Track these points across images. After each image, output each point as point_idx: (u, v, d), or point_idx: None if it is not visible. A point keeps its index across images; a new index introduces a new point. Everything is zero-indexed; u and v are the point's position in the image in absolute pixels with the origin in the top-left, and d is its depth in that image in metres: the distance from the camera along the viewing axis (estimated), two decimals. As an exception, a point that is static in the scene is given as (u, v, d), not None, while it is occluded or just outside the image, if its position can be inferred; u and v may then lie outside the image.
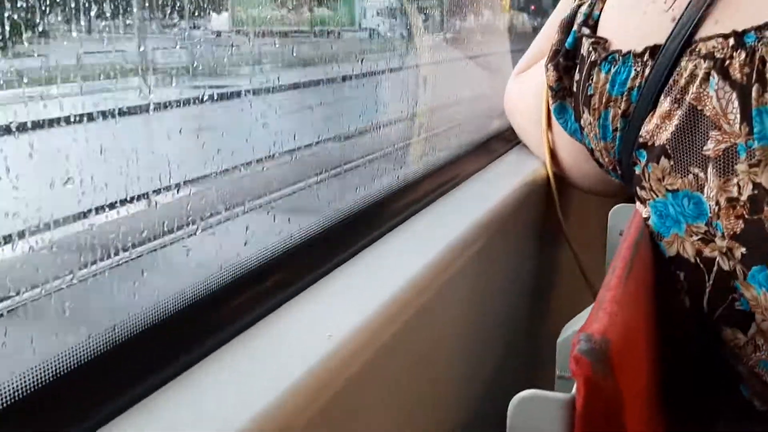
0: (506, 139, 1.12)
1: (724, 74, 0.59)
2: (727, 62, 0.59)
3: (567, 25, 0.78)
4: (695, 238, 0.64)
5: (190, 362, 0.45)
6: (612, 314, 0.46)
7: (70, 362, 0.39)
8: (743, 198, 0.59)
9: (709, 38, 0.61)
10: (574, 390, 0.44)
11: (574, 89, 0.76)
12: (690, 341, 0.69)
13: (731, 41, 0.59)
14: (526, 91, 0.98)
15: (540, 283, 1.04)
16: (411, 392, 0.57)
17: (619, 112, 0.68)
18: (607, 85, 0.69)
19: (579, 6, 0.78)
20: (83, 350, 0.40)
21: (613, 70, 0.69)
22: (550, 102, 0.81)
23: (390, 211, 0.74)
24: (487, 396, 0.76)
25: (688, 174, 0.63)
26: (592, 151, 0.77)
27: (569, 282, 1.05)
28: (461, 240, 0.72)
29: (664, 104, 0.64)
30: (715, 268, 0.63)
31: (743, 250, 0.60)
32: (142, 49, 0.51)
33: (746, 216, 0.60)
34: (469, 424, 0.70)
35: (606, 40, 0.71)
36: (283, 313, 0.51)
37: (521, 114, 1.02)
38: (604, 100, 0.69)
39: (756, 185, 0.59)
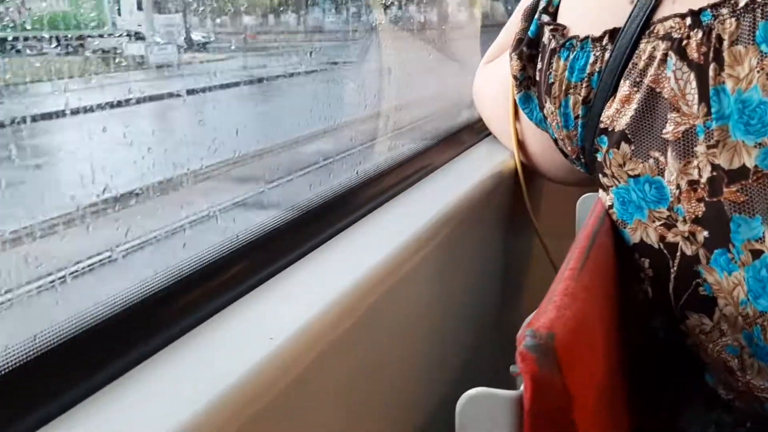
0: (477, 130, 1.10)
1: (682, 55, 0.58)
2: (684, 42, 0.58)
3: (530, 13, 0.76)
4: (658, 223, 0.63)
5: (128, 365, 0.43)
6: (561, 307, 0.45)
7: (8, 362, 0.38)
8: (703, 180, 0.58)
9: (667, 18, 0.60)
10: (522, 387, 0.43)
11: (537, 78, 0.74)
12: (654, 330, 0.68)
13: (688, 20, 0.58)
14: (493, 81, 0.97)
15: (509, 275, 1.03)
16: (362, 394, 0.56)
17: (580, 98, 0.67)
18: (566, 72, 0.68)
19: None
20: (20, 351, 0.39)
21: (571, 57, 0.67)
22: (515, 92, 0.80)
23: (351, 205, 0.73)
24: (451, 394, 0.74)
25: (648, 158, 0.62)
26: (556, 141, 0.76)
27: (538, 273, 1.04)
28: (423, 232, 0.70)
29: (624, 88, 0.63)
30: (678, 254, 0.62)
31: (705, 233, 0.59)
32: None
33: (706, 198, 0.59)
34: (430, 424, 0.68)
35: (565, 27, 0.70)
36: (229, 314, 0.50)
37: (489, 104, 1.00)
38: (563, 88, 0.68)
39: (714, 167, 0.57)
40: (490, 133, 1.07)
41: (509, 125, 0.92)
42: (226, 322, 0.48)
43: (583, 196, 0.85)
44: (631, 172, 0.63)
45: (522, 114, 0.86)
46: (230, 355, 0.44)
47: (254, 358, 0.43)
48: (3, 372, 0.37)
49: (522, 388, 0.43)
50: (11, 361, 0.38)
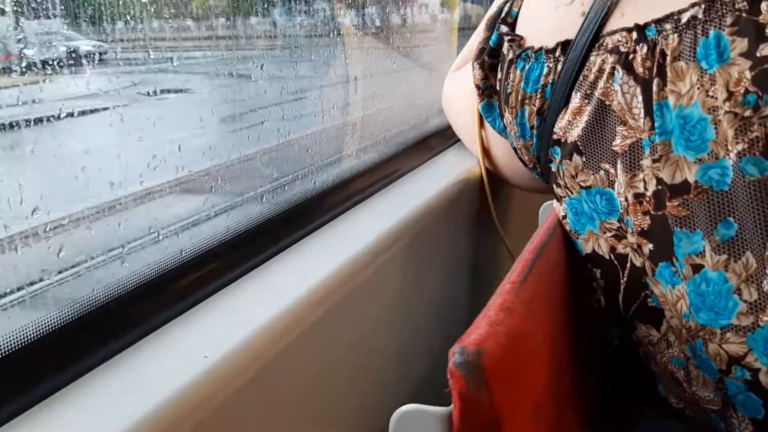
0: (446, 137, 1.10)
1: (628, 68, 0.58)
2: (631, 56, 0.58)
3: (492, 23, 0.77)
4: (609, 234, 0.63)
5: (61, 383, 0.43)
6: (494, 323, 0.45)
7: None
8: (648, 193, 0.59)
9: (615, 32, 0.60)
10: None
11: (498, 88, 0.75)
12: (609, 340, 0.68)
13: (634, 35, 0.58)
14: (460, 89, 0.97)
15: (475, 281, 1.03)
16: (303, 409, 0.56)
17: (535, 109, 0.67)
18: (522, 83, 0.68)
19: (504, 3, 0.77)
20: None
21: (527, 67, 0.68)
22: (477, 101, 0.80)
23: (311, 214, 0.73)
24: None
25: (599, 170, 0.62)
26: (515, 149, 0.76)
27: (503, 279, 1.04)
28: (382, 239, 0.70)
29: (575, 100, 0.63)
30: (628, 265, 0.62)
31: (650, 246, 0.60)
32: None
33: (651, 212, 0.59)
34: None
35: (521, 38, 0.70)
36: (167, 331, 0.50)
37: (457, 111, 1.00)
38: (519, 98, 0.68)
39: (659, 180, 0.58)
40: (458, 140, 1.07)
41: (475, 133, 0.92)
42: (165, 339, 0.48)
43: (545, 203, 0.85)
44: (582, 183, 0.64)
45: (486, 123, 0.86)
46: (165, 373, 0.44)
47: (188, 375, 0.43)
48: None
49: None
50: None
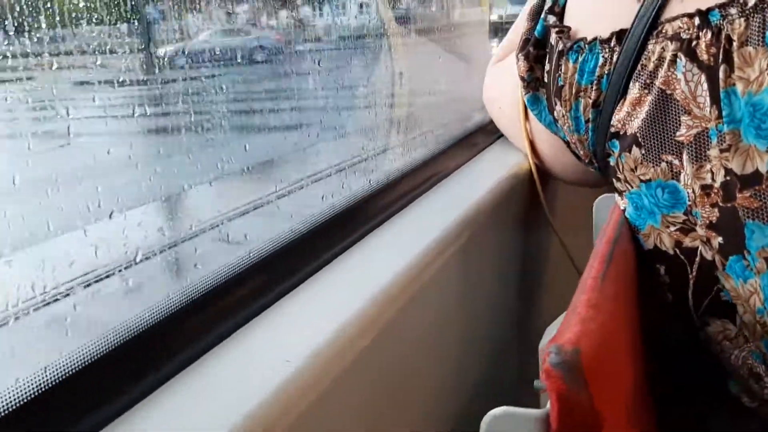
0: (489, 132, 1.09)
1: (691, 56, 0.56)
2: (694, 43, 0.56)
3: (535, 13, 0.75)
4: (673, 228, 0.61)
5: (141, 394, 0.42)
6: (586, 320, 0.43)
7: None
8: (716, 185, 0.56)
9: (674, 18, 0.58)
10: (548, 405, 0.41)
11: (546, 80, 0.73)
12: (675, 338, 0.66)
13: (696, 20, 0.56)
14: (503, 82, 0.95)
15: (528, 278, 1.01)
16: (384, 411, 0.54)
17: (590, 102, 0.65)
18: (576, 75, 0.66)
19: None
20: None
21: (580, 59, 0.66)
22: (523, 93, 0.79)
23: (365, 215, 0.72)
24: (471, 408, 0.73)
25: (660, 162, 0.60)
26: (568, 143, 0.74)
27: (560, 276, 1.02)
28: (441, 239, 0.68)
29: (634, 90, 0.61)
30: (697, 259, 0.60)
31: (720, 239, 0.58)
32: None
33: (720, 204, 0.57)
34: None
35: (570, 29, 0.68)
36: (242, 336, 0.48)
37: (500, 105, 0.99)
38: (574, 91, 0.66)
39: (728, 171, 0.56)
40: (502, 135, 1.05)
41: (520, 127, 0.90)
42: (240, 344, 0.47)
43: (600, 197, 0.83)
44: (642, 177, 0.62)
45: (531, 116, 0.84)
46: (245, 381, 0.43)
47: (271, 382, 0.42)
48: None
49: (548, 406, 0.41)
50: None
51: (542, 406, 0.52)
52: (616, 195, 0.66)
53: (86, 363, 0.40)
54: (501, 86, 0.95)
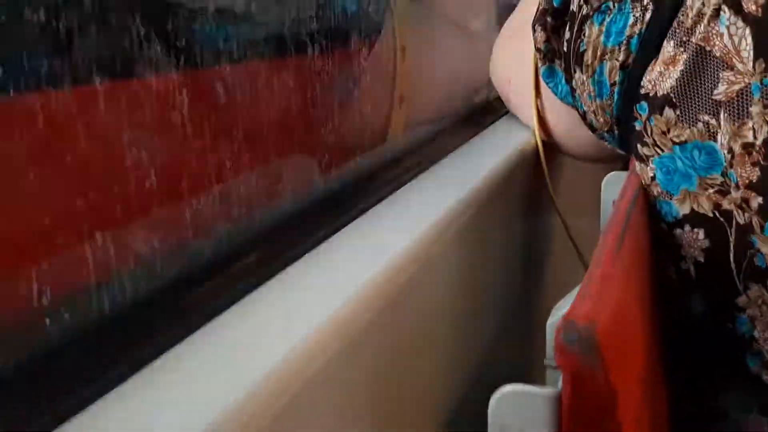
0: (494, 108, 1.06)
1: (737, 8, 0.54)
2: None
3: None
4: (711, 190, 0.59)
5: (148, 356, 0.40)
6: (600, 295, 0.41)
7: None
8: (758, 143, 0.54)
9: None
10: (560, 383, 0.39)
11: (564, 49, 0.71)
12: (692, 311, 0.64)
13: None
14: (512, 56, 0.93)
15: (533, 259, 0.99)
16: (388, 388, 0.53)
17: (617, 64, 0.63)
18: (602, 37, 0.64)
19: None
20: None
21: (607, 20, 0.63)
22: (539, 65, 0.76)
23: (365, 192, 0.69)
24: (476, 386, 0.71)
25: (696, 123, 0.58)
26: (584, 114, 0.72)
27: (564, 256, 1.00)
28: (446, 215, 0.66)
29: (668, 49, 0.59)
30: (734, 222, 0.58)
31: (760, 199, 0.55)
32: None
33: (762, 162, 0.55)
34: (456, 419, 0.65)
35: None
36: (241, 309, 0.46)
37: (508, 79, 0.96)
38: (598, 54, 0.64)
39: None
40: (507, 111, 1.03)
41: (530, 102, 0.88)
42: (238, 318, 0.45)
43: (609, 175, 0.81)
44: (676, 139, 0.59)
45: (544, 90, 0.82)
46: (245, 356, 0.41)
47: (277, 352, 0.40)
48: None
49: (560, 384, 0.39)
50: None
51: (548, 384, 0.50)
52: (638, 164, 0.64)
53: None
54: (510, 61, 0.93)
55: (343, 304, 0.46)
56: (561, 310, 0.62)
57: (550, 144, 0.90)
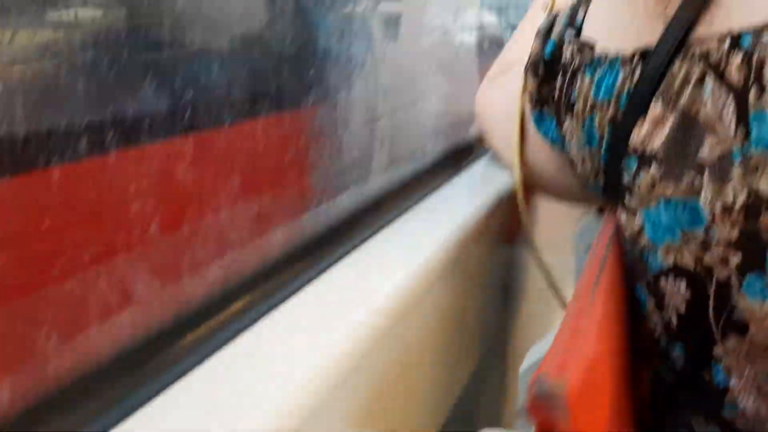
0: (473, 150, 1.08)
1: (720, 77, 0.56)
2: (723, 65, 0.56)
3: (545, 33, 0.74)
4: (693, 245, 0.60)
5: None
6: (571, 350, 0.42)
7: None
8: (737, 206, 0.56)
9: (704, 39, 0.58)
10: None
11: (555, 96, 0.72)
12: (675, 359, 0.65)
13: (727, 43, 0.56)
14: (498, 99, 0.94)
15: (511, 299, 1.00)
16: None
17: (606, 117, 0.64)
18: (592, 90, 0.65)
19: (557, 13, 0.75)
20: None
21: (598, 74, 0.65)
22: (529, 110, 0.78)
23: (344, 236, 0.70)
24: (458, 425, 0.71)
25: (682, 180, 0.59)
26: (572, 162, 0.73)
27: (542, 298, 1.01)
28: (421, 263, 0.67)
29: (656, 109, 0.60)
30: (714, 277, 0.59)
31: (738, 258, 0.57)
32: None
33: (742, 223, 0.56)
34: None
35: (589, 45, 0.68)
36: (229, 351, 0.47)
37: (495, 123, 0.98)
38: (588, 106, 0.66)
39: (751, 191, 0.55)
40: (485, 152, 1.05)
41: (514, 144, 0.89)
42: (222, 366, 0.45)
43: (583, 220, 0.83)
44: (661, 194, 0.61)
45: (529, 133, 0.83)
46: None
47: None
48: None
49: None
50: None
51: (521, 428, 0.51)
52: (623, 214, 0.65)
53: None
54: (498, 104, 0.95)
55: (327, 344, 0.47)
56: (535, 355, 0.63)
57: (531, 184, 0.92)
